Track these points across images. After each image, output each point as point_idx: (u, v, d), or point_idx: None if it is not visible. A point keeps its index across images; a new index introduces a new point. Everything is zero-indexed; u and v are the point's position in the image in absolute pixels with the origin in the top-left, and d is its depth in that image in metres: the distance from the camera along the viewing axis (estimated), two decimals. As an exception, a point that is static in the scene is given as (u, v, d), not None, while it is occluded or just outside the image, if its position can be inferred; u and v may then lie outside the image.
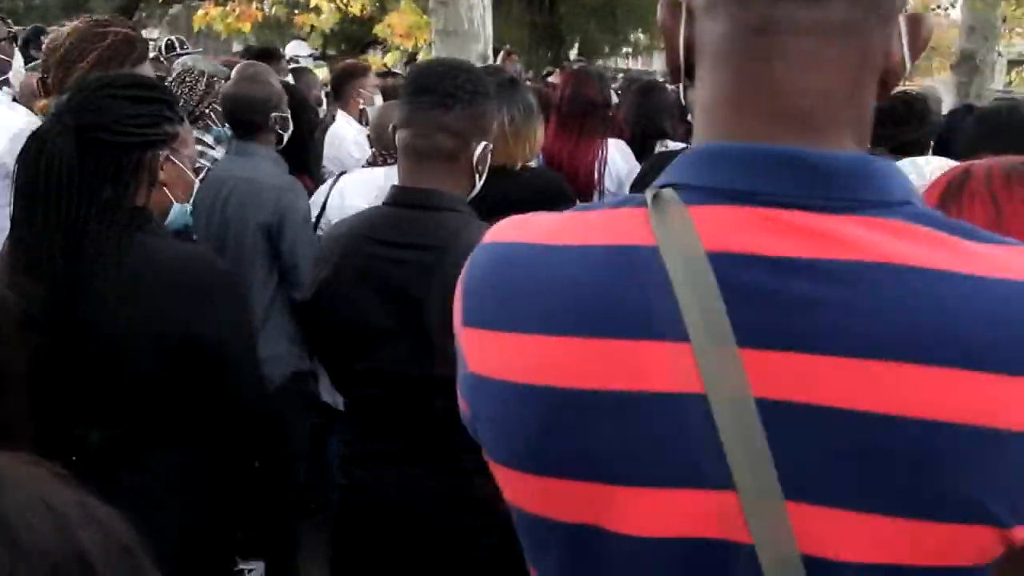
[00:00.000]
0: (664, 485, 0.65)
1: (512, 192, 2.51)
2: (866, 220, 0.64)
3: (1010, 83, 19.57)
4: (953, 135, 2.91)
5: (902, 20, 0.69)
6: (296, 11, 9.93)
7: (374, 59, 9.40)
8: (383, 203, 1.82)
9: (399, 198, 1.79)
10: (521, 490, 0.71)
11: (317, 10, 8.99)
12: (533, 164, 3.18)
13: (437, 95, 1.73)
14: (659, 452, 0.65)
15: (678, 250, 0.64)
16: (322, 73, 6.28)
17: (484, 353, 0.72)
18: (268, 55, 4.78)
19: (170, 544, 1.03)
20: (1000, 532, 0.62)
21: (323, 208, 3.08)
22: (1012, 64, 21.73)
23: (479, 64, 6.58)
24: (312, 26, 9.50)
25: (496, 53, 5.99)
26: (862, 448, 0.61)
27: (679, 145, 3.54)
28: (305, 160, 3.51)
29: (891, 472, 0.61)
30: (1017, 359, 0.61)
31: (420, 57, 7.66)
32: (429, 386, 1.55)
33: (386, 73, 6.35)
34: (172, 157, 1.74)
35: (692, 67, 0.72)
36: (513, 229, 0.74)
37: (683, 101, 3.09)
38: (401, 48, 8.93)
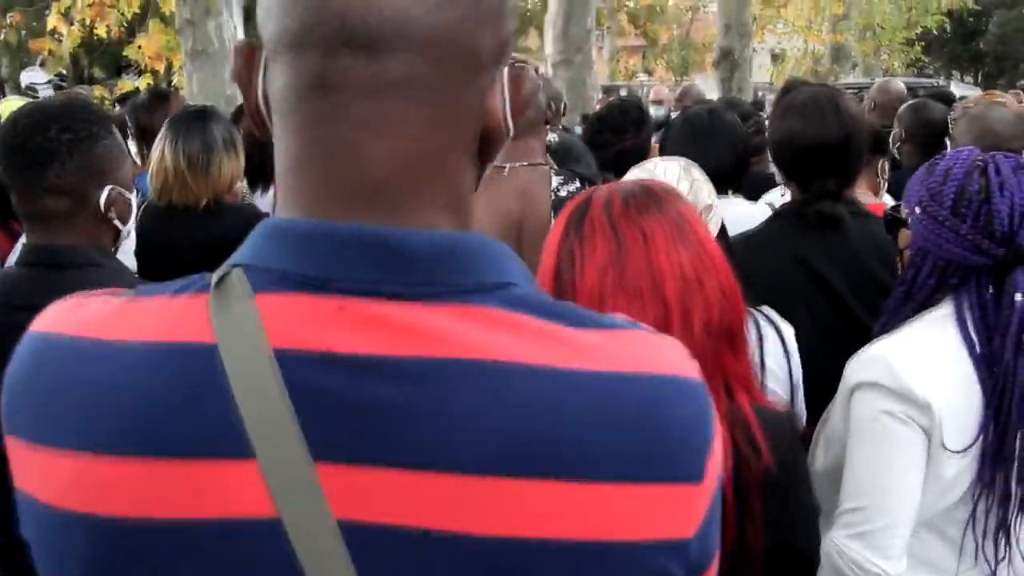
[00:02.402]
0: None
1: (202, 233, 2.36)
2: (455, 309, 0.56)
3: (772, 76, 21.02)
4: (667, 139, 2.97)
5: (505, 74, 0.62)
6: (31, 36, 9.24)
7: (125, 83, 8.87)
8: (15, 263, 1.64)
9: (30, 258, 1.62)
10: None
11: (55, 33, 8.39)
12: (255, 199, 3.03)
13: (27, 154, 1.55)
14: None
15: (240, 350, 0.55)
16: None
17: (24, 468, 0.60)
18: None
19: None
20: None
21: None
22: (776, 58, 23.40)
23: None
24: (50, 51, 8.85)
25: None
26: (456, 571, 0.55)
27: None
28: (9, 205, 3.21)
29: None
30: (619, 465, 0.55)
31: (175, 80, 7.29)
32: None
33: (123, 97, 5.96)
34: None
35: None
36: (59, 316, 0.62)
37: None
38: (155, 71, 8.49)
